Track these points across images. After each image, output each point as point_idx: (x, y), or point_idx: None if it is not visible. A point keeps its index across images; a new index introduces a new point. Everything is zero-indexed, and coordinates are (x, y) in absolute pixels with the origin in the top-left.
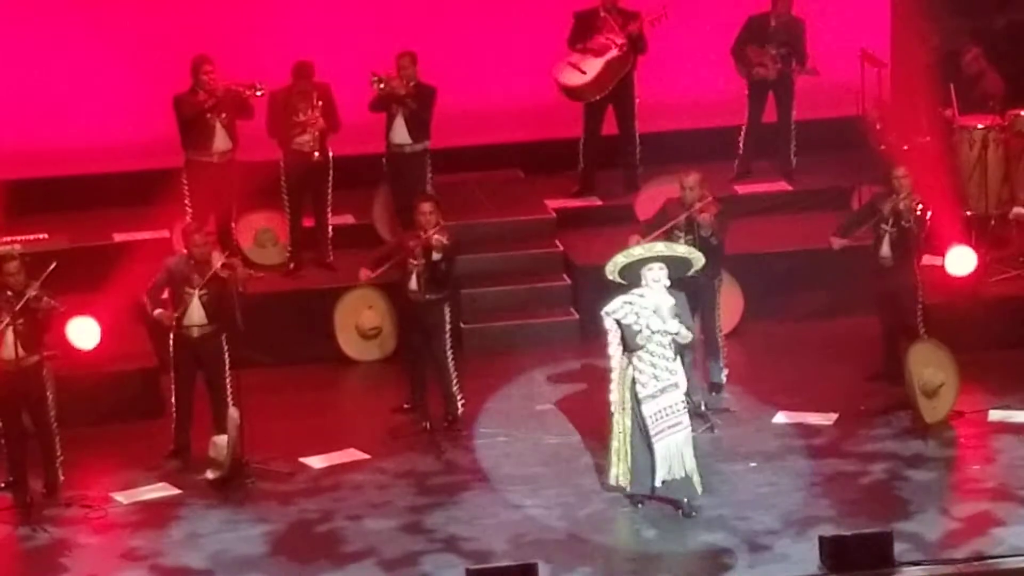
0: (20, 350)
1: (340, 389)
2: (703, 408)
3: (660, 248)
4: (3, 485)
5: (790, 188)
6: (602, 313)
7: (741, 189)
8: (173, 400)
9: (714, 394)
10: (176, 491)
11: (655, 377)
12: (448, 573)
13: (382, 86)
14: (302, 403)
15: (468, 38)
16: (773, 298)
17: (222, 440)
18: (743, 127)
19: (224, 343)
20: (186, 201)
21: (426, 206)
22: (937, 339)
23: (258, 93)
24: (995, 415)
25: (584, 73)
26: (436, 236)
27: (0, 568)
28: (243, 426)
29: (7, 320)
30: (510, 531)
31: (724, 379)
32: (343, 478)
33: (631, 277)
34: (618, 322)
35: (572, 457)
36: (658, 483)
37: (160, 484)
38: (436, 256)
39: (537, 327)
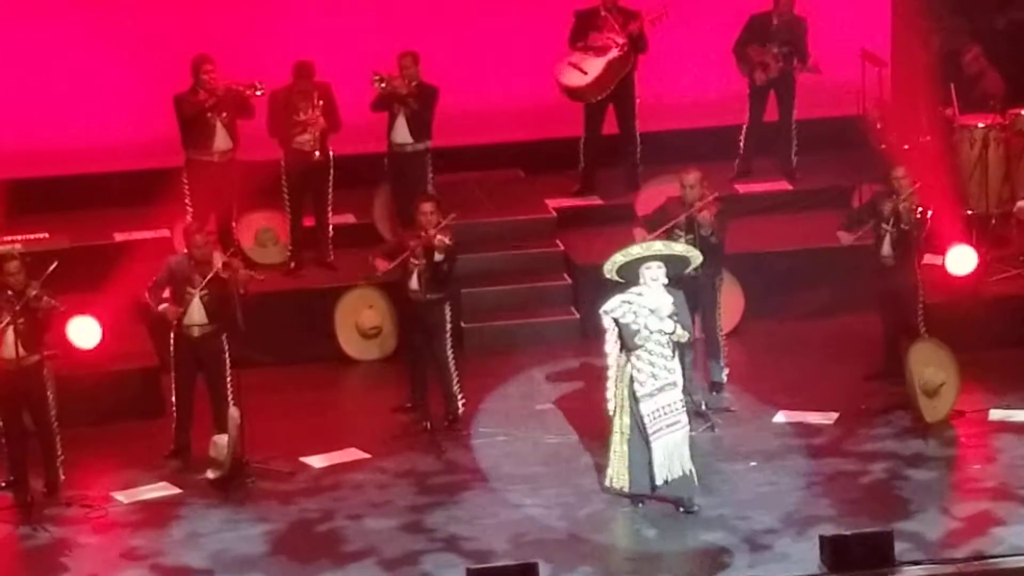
0: (21, 349)
1: (340, 388)
2: (703, 407)
3: (658, 247)
4: (4, 484)
5: (791, 187)
6: (600, 312)
7: (742, 188)
8: (173, 399)
9: (714, 393)
10: (176, 490)
11: (653, 376)
12: (448, 573)
13: (384, 85)
14: (302, 402)
15: (468, 38)
16: (774, 297)
17: (222, 440)
18: (744, 126)
19: (225, 343)
20: (187, 200)
21: (427, 206)
22: (938, 338)
23: (258, 92)
24: (996, 414)
25: (585, 73)
26: (439, 236)
27: (0, 567)
28: (243, 425)
29: (8, 319)
30: (510, 530)
31: (724, 378)
32: (343, 477)
33: (629, 276)
34: (616, 321)
35: (572, 457)
36: (659, 482)
37: (160, 483)
38: (438, 257)
39: (537, 326)
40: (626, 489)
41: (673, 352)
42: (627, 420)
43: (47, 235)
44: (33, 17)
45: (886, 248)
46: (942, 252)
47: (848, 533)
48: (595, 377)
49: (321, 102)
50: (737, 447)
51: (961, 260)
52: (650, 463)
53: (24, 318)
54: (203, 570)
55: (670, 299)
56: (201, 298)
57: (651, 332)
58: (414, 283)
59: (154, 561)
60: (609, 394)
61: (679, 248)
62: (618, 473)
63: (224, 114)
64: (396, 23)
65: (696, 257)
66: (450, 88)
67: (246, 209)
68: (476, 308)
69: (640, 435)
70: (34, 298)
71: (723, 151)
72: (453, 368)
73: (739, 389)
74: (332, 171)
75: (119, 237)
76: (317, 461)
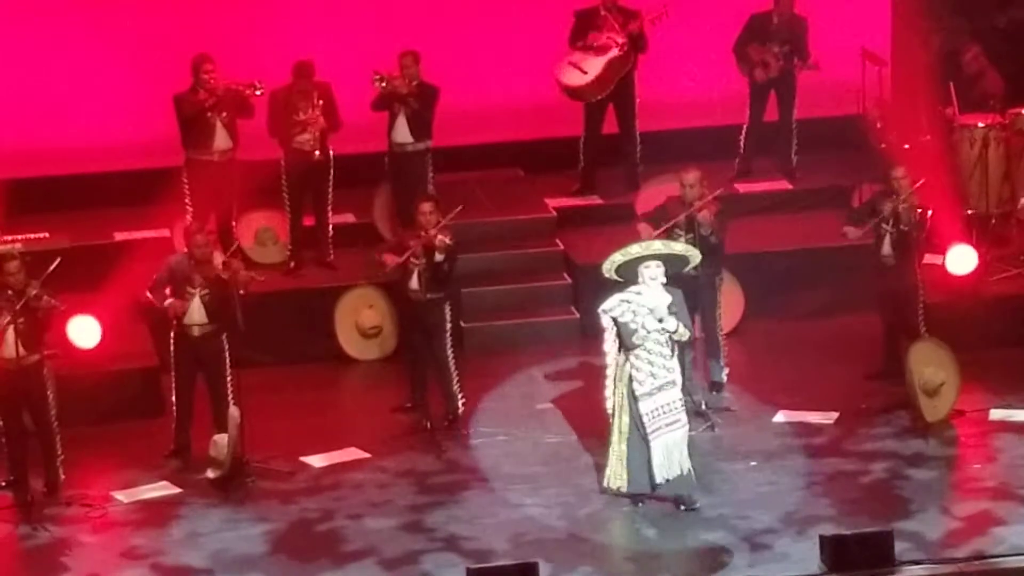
0: (21, 349)
1: (340, 388)
2: (703, 407)
3: (657, 246)
4: (4, 484)
5: (791, 187)
6: (599, 311)
7: (742, 188)
8: (174, 399)
9: (714, 393)
10: (177, 490)
11: (652, 375)
12: (448, 572)
13: (384, 85)
14: (302, 402)
15: (468, 38)
16: (774, 297)
17: (223, 439)
18: (744, 126)
19: (225, 342)
20: (187, 200)
21: (427, 206)
22: (938, 338)
23: (258, 92)
24: (996, 414)
25: (585, 73)
26: (439, 236)
27: (1, 567)
28: (243, 425)
29: (8, 319)
30: (510, 530)
31: (724, 378)
32: (343, 477)
33: (628, 275)
34: (615, 320)
35: (572, 456)
36: (659, 481)
37: (161, 483)
38: (439, 256)
39: (537, 326)
40: (623, 489)
41: (672, 351)
42: (626, 419)
43: (47, 235)
44: (33, 17)
45: (886, 248)
46: (942, 252)
47: (848, 533)
48: (595, 377)
49: (321, 102)
50: (737, 447)
51: (961, 260)
52: (649, 462)
53: (24, 318)
54: (203, 570)
55: (669, 298)
56: (201, 298)
57: (649, 331)
58: (414, 283)
59: (154, 561)
60: (608, 393)
61: (679, 247)
62: (616, 473)
63: (224, 114)
64: (396, 23)
65: (695, 256)
66: (450, 88)
67: (246, 209)
68: (476, 308)
69: (639, 434)
70: (34, 297)
71: (723, 151)
72: (453, 368)
73: (739, 389)
74: (332, 171)
75: (119, 237)
76: (317, 461)
